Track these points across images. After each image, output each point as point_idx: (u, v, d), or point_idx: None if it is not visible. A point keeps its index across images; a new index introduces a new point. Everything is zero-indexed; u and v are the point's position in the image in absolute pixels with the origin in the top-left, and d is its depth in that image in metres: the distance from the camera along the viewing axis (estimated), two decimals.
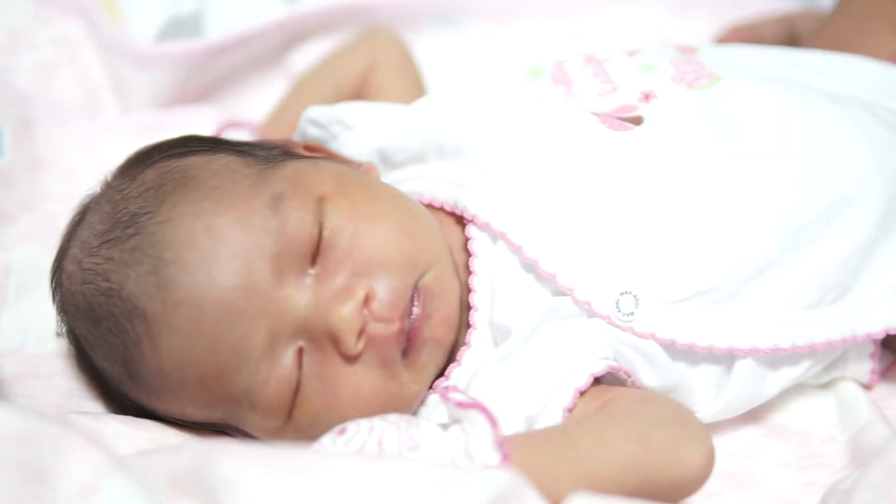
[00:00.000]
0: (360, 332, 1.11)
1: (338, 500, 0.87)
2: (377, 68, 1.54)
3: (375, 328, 1.12)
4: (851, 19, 1.42)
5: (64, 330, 1.26)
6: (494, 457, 1.01)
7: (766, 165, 1.21)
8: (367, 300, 1.12)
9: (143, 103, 1.62)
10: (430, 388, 1.20)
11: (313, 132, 1.40)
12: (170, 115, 1.59)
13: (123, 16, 1.64)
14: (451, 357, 1.21)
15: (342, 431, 1.03)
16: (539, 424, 1.14)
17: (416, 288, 1.15)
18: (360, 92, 1.52)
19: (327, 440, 1.03)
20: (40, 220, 1.43)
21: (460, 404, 1.04)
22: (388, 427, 1.03)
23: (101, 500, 0.89)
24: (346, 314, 1.10)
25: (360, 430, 1.03)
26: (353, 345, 1.11)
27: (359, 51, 1.58)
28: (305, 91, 1.56)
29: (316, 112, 1.39)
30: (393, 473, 0.90)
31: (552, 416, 1.14)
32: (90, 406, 1.27)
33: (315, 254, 1.14)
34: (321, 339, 1.12)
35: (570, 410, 1.14)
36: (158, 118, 1.58)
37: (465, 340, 1.20)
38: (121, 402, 1.22)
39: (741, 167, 1.21)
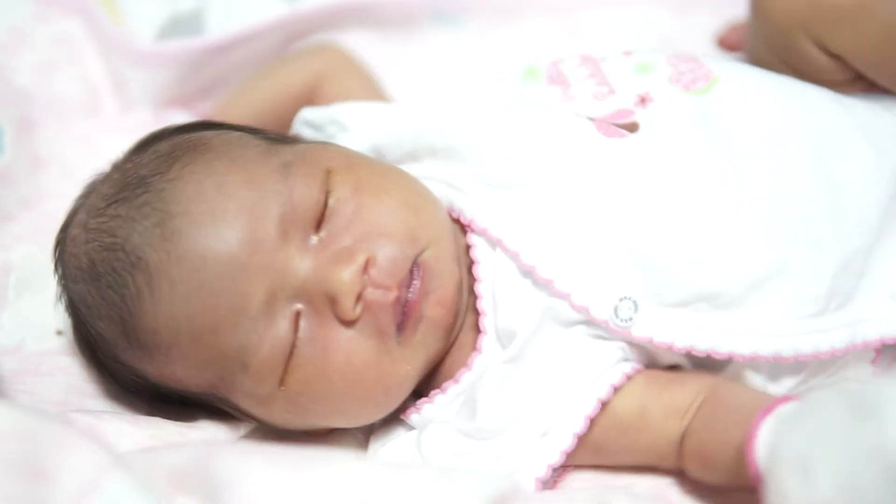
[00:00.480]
0: (359, 297, 1.13)
1: (339, 496, 0.87)
2: (328, 77, 1.55)
3: (373, 294, 1.14)
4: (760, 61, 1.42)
5: (63, 301, 1.26)
6: None
7: (764, 171, 1.20)
8: (367, 265, 1.14)
9: (143, 102, 1.62)
10: (438, 387, 1.21)
11: (308, 134, 1.41)
12: (170, 114, 1.59)
13: (123, 14, 1.64)
14: (461, 362, 1.21)
15: None
16: (555, 433, 1.15)
17: (415, 262, 1.17)
18: (307, 100, 1.51)
19: None
20: (40, 219, 1.43)
21: None
22: None
23: (101, 497, 0.89)
24: (346, 276, 1.12)
25: None
26: (350, 308, 1.12)
27: (303, 60, 1.59)
28: (246, 95, 1.57)
29: (311, 113, 1.40)
30: (394, 470, 0.90)
31: (573, 425, 1.15)
32: (90, 403, 1.27)
33: (320, 220, 1.16)
34: (319, 302, 1.14)
35: (593, 419, 1.16)
36: (158, 117, 1.58)
37: (477, 346, 1.21)
38: (114, 371, 1.23)
39: (737, 173, 1.20)
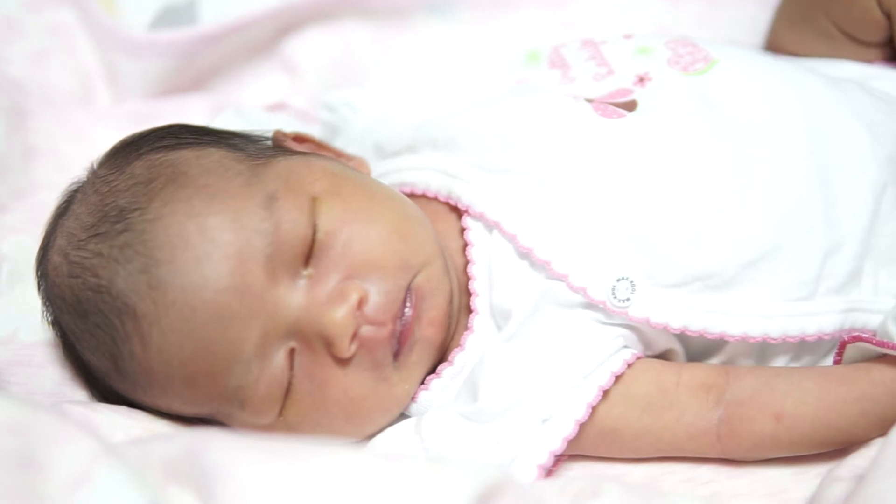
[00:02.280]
0: (353, 336, 1.12)
1: (329, 487, 0.87)
2: None
3: (367, 331, 1.13)
4: (791, 28, 1.43)
5: (49, 320, 1.25)
6: None
7: (761, 152, 1.21)
8: (360, 303, 1.12)
9: (136, 92, 1.61)
10: (434, 371, 1.21)
11: (325, 116, 1.43)
12: (163, 105, 1.59)
13: (117, 4, 1.63)
14: (454, 342, 1.22)
15: None
16: (557, 420, 1.15)
17: (408, 289, 1.16)
18: None
19: None
20: (32, 210, 1.42)
21: None
22: None
23: (93, 488, 0.89)
24: (339, 318, 1.11)
25: None
26: (346, 348, 1.11)
27: None
28: None
29: (329, 97, 1.43)
30: (384, 460, 0.90)
31: (575, 412, 1.15)
32: (83, 395, 1.27)
33: (308, 255, 1.14)
34: (313, 340, 1.13)
35: (594, 407, 1.15)
36: (151, 107, 1.58)
37: (468, 325, 1.21)
38: (106, 392, 1.22)
39: (735, 154, 1.21)
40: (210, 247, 1.10)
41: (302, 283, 1.13)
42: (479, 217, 1.23)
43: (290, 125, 1.46)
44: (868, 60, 1.41)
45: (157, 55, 1.60)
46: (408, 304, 1.16)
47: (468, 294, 1.22)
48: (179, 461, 0.94)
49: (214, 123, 1.42)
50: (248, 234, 1.11)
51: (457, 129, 1.28)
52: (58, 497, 0.88)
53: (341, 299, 1.12)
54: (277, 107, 1.58)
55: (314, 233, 1.14)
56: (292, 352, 1.13)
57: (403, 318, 1.15)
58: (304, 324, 1.12)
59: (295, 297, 1.12)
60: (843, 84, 1.30)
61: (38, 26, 1.60)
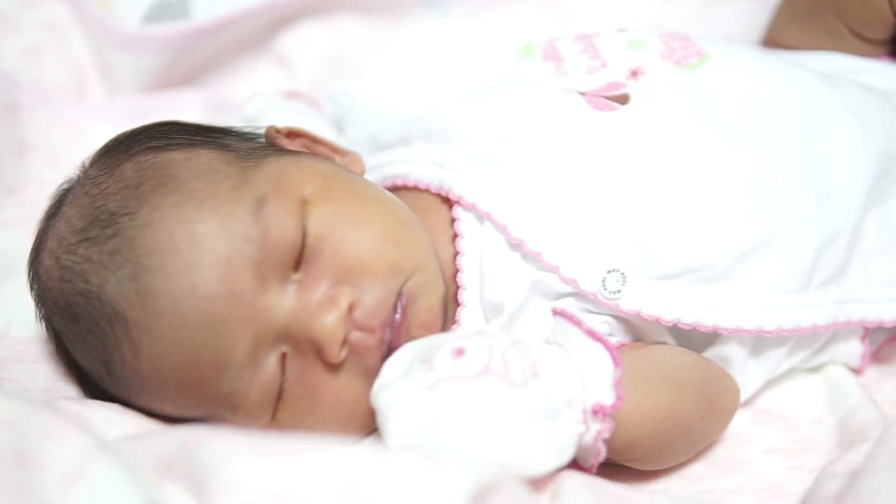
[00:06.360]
0: (343, 342, 1.11)
1: (326, 482, 0.87)
2: None
3: (357, 337, 1.12)
4: (794, 23, 1.44)
5: (42, 322, 1.25)
6: (610, 396, 1.04)
7: (753, 145, 1.21)
8: (350, 309, 1.11)
9: (129, 86, 1.61)
10: None
11: (330, 109, 1.45)
12: (156, 99, 1.59)
13: None
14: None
15: (460, 352, 1.03)
16: None
17: (399, 293, 1.15)
18: None
19: (444, 363, 1.02)
20: (26, 205, 1.41)
21: (591, 333, 1.07)
22: (509, 348, 1.04)
23: (86, 484, 0.89)
24: (328, 324, 1.10)
25: (480, 350, 1.03)
26: (336, 354, 1.11)
27: None
28: None
29: (331, 89, 1.45)
30: (380, 458, 0.90)
31: None
32: (76, 391, 1.26)
33: (298, 260, 1.13)
34: (304, 346, 1.12)
35: None
36: (144, 102, 1.58)
37: (456, 318, 1.21)
38: (99, 393, 1.21)
39: (727, 147, 1.21)
40: (199, 254, 1.09)
41: (292, 288, 1.13)
42: (471, 207, 1.23)
43: (305, 113, 1.47)
44: (868, 56, 1.42)
45: (150, 50, 1.60)
46: (398, 310, 1.15)
47: (457, 286, 1.22)
48: (174, 457, 0.94)
49: (247, 107, 1.45)
50: (237, 241, 1.10)
51: (449, 121, 1.28)
52: (52, 494, 0.88)
53: (331, 305, 1.11)
54: (292, 94, 1.57)
55: (304, 237, 1.13)
56: (284, 356, 1.13)
57: (394, 323, 1.14)
58: (295, 329, 1.11)
59: (285, 302, 1.12)
60: (835, 79, 1.30)
61: (32, 21, 1.60)
